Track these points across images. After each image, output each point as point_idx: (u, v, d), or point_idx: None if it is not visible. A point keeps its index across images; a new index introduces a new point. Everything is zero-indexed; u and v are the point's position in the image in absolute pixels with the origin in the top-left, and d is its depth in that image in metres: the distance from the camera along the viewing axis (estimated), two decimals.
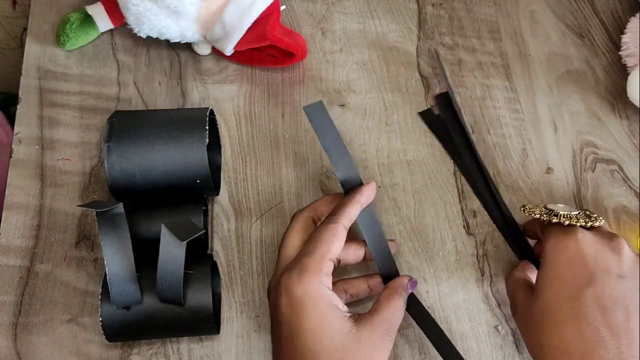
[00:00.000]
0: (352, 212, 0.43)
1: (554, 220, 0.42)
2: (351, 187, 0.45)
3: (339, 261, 0.45)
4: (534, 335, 0.40)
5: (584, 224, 0.42)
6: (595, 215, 0.44)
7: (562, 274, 0.40)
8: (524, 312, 0.41)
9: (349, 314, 0.40)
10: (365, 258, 0.47)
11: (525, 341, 0.42)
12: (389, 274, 0.46)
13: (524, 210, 0.46)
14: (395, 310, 0.41)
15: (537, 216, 0.44)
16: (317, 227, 0.43)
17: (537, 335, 0.39)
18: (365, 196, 0.44)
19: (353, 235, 0.47)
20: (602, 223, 0.43)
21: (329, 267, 0.40)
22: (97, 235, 0.49)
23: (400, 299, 0.42)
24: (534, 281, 0.45)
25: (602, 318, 0.37)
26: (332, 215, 0.43)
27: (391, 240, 0.49)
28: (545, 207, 0.45)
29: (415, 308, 0.45)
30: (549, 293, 0.40)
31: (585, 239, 0.41)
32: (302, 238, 0.43)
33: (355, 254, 0.46)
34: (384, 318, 0.40)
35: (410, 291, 0.44)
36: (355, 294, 0.46)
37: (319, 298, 0.39)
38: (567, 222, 0.42)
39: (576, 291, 0.39)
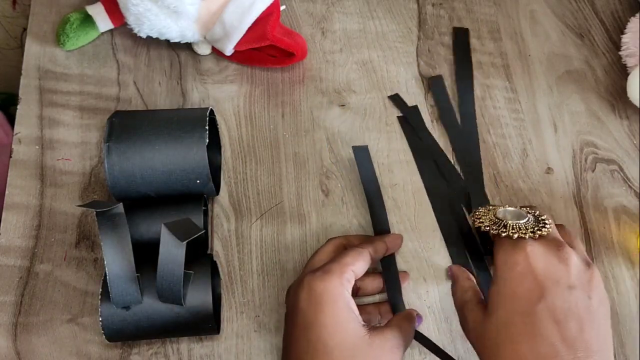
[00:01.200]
0: (378, 246, 0.46)
1: (502, 234, 0.41)
2: (380, 230, 0.50)
3: (357, 289, 0.47)
4: (490, 353, 0.39)
5: (532, 235, 0.41)
6: (545, 218, 0.43)
7: (514, 290, 0.39)
8: (477, 330, 0.41)
9: (363, 323, 0.41)
10: (382, 290, 0.49)
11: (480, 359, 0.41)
12: (396, 304, 0.48)
13: (474, 221, 0.45)
14: (406, 330, 0.42)
15: (487, 229, 0.43)
16: (345, 249, 0.46)
17: (493, 354, 0.38)
18: (391, 240, 0.48)
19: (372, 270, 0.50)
20: (550, 229, 0.42)
21: (351, 276, 0.42)
22: (97, 235, 0.49)
23: (410, 325, 0.43)
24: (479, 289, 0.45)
25: (557, 332, 0.37)
26: (361, 243, 0.46)
27: (403, 272, 0.50)
28: (495, 216, 0.44)
29: (422, 340, 0.46)
30: (502, 310, 0.39)
31: (534, 251, 0.40)
32: (331, 257, 0.45)
33: (373, 283, 0.48)
34: (396, 333, 0.41)
35: (417, 325, 0.45)
36: (367, 320, 0.46)
37: (337, 297, 0.40)
38: (515, 235, 0.41)
39: (529, 306, 0.38)
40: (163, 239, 0.39)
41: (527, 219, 0.43)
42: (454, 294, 0.47)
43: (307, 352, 0.39)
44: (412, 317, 0.44)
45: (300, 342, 0.40)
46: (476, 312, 0.42)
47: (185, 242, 0.39)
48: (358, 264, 0.43)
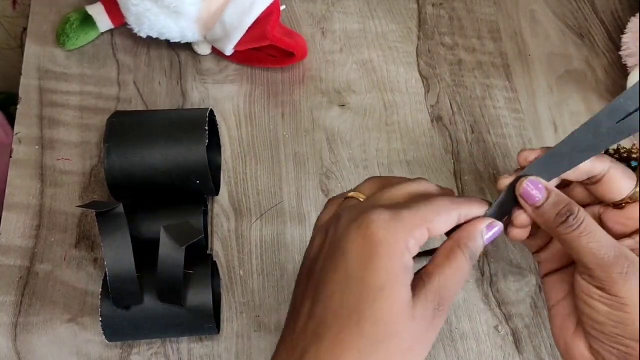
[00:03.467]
0: (473, 209, 0.34)
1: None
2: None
3: None
4: None
5: None
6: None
7: None
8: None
9: (412, 281, 0.32)
10: None
11: None
12: None
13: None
14: (454, 273, 0.32)
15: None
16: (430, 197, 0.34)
17: None
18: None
19: None
20: None
21: (424, 235, 0.32)
22: (97, 235, 0.49)
23: (464, 256, 0.32)
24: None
25: None
26: (455, 199, 0.34)
27: None
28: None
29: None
30: None
31: None
32: (409, 199, 0.35)
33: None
34: (438, 287, 0.31)
35: (487, 242, 0.33)
36: None
37: (397, 255, 0.31)
38: None
39: None
40: (162, 243, 0.39)
41: None
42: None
43: (337, 316, 0.31)
44: (466, 242, 0.33)
45: (333, 298, 0.31)
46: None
47: (184, 247, 0.39)
48: (437, 221, 0.32)
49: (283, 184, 0.53)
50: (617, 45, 0.63)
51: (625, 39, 0.61)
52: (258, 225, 0.51)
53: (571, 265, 0.37)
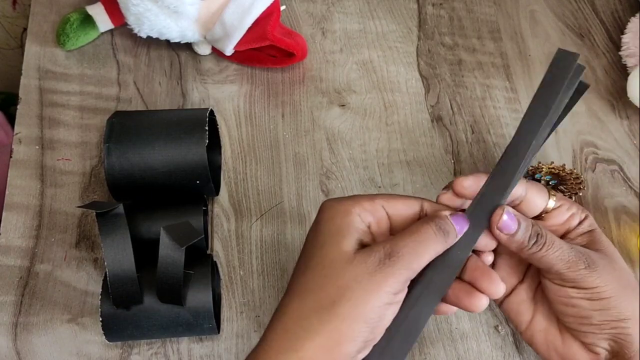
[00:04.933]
0: (435, 206, 0.37)
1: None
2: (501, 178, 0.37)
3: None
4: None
5: None
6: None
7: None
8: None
9: (365, 240, 0.35)
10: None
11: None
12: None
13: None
14: (409, 234, 0.34)
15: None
16: None
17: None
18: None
19: None
20: None
21: (377, 209, 0.35)
22: (97, 235, 0.49)
23: (426, 225, 0.34)
24: None
25: None
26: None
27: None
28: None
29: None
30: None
31: None
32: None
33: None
34: (389, 242, 0.34)
35: (457, 228, 0.35)
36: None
37: (341, 215, 0.34)
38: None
39: None
40: (162, 243, 0.39)
41: None
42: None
43: (292, 277, 0.35)
44: (427, 220, 0.35)
45: (295, 268, 0.36)
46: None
47: (184, 247, 0.39)
48: (392, 203, 0.36)
49: (283, 184, 0.53)
50: (617, 45, 0.63)
51: (625, 39, 0.61)
52: (258, 225, 0.51)
53: (522, 282, 0.40)
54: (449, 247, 0.35)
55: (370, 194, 0.37)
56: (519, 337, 0.48)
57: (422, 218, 0.36)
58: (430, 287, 0.35)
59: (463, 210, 0.37)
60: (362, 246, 0.35)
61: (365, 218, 0.35)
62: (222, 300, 0.48)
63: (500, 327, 0.49)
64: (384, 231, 0.36)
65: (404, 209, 0.36)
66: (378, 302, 0.32)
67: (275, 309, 0.35)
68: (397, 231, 0.36)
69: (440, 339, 0.48)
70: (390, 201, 0.36)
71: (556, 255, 0.36)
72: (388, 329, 0.34)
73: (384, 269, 0.32)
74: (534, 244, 0.36)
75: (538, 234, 0.36)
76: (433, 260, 0.35)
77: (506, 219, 0.35)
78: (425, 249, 0.34)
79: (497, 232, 0.36)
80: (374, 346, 0.34)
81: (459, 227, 0.35)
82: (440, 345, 0.47)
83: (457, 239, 0.35)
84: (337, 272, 0.33)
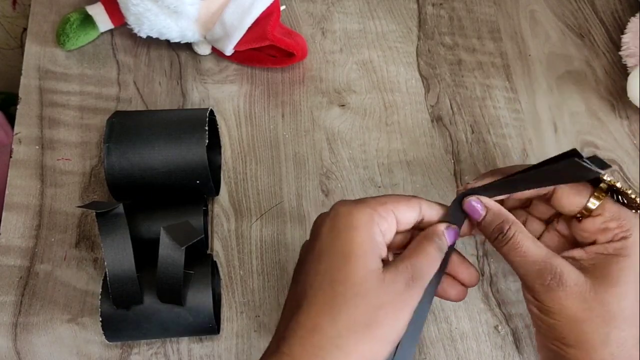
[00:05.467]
0: (435, 207, 0.38)
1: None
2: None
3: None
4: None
5: None
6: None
7: None
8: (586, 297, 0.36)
9: (384, 255, 0.35)
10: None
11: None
12: None
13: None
14: (423, 256, 0.35)
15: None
16: None
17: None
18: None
19: None
20: None
21: (389, 216, 0.36)
22: (97, 235, 0.49)
23: (431, 244, 0.36)
24: None
25: None
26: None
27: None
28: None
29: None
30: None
31: None
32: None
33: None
34: (409, 263, 0.35)
35: (448, 242, 0.37)
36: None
37: (362, 225, 0.34)
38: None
39: None
40: (162, 243, 0.39)
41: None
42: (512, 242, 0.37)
43: (312, 285, 0.34)
44: (432, 236, 0.37)
45: (309, 273, 0.35)
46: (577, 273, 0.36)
47: (184, 247, 0.39)
48: (400, 207, 0.36)
49: (283, 184, 0.53)
50: (617, 45, 0.63)
51: (625, 39, 0.61)
52: (258, 225, 0.51)
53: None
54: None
55: (381, 198, 0.37)
56: (519, 337, 0.48)
57: (423, 230, 0.37)
58: (427, 287, 0.36)
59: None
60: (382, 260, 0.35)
61: (382, 226, 0.36)
62: (222, 300, 0.48)
63: (500, 327, 0.49)
64: (392, 236, 0.37)
65: (408, 212, 0.37)
66: (406, 322, 0.34)
67: (287, 310, 0.35)
68: (398, 234, 0.38)
69: (440, 339, 0.48)
70: (398, 206, 0.37)
71: (517, 260, 0.36)
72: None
73: (409, 290, 0.34)
74: (495, 238, 0.37)
75: (500, 232, 0.37)
76: None
77: (473, 204, 0.38)
78: (434, 267, 0.36)
79: (469, 216, 0.38)
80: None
81: (450, 240, 0.37)
82: (440, 345, 0.47)
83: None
84: (371, 293, 0.33)
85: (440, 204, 0.39)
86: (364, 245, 0.34)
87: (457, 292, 0.38)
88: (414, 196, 0.38)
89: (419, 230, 0.38)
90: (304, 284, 0.35)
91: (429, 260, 0.35)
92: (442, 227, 0.37)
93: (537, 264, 0.36)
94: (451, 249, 0.38)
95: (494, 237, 0.37)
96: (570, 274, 0.35)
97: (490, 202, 0.38)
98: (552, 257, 0.36)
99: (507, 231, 0.37)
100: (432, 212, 0.38)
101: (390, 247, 0.37)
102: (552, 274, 0.35)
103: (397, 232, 0.37)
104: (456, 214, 0.38)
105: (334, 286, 0.33)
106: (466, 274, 0.38)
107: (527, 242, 0.36)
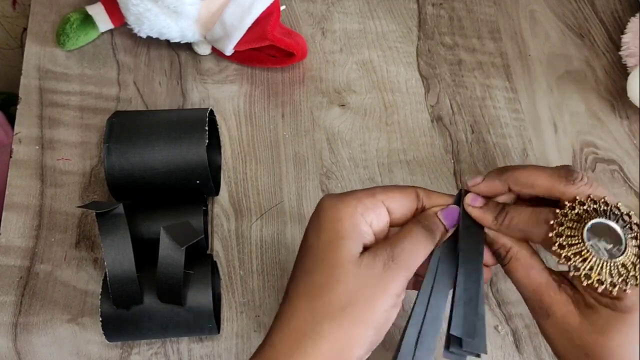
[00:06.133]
0: (434, 196, 0.38)
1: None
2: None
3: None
4: None
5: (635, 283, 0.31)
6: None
7: None
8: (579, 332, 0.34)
9: (367, 242, 0.35)
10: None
11: None
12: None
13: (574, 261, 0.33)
14: (405, 237, 0.35)
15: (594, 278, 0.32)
16: None
17: None
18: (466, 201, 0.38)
19: None
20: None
21: (378, 206, 0.36)
22: (97, 235, 0.49)
23: (416, 225, 0.36)
24: None
25: None
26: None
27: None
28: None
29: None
30: None
31: None
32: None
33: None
34: (389, 245, 0.34)
35: (447, 223, 0.37)
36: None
37: (345, 216, 0.34)
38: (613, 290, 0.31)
39: None
40: (162, 243, 0.39)
41: (625, 242, 0.31)
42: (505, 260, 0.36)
43: (295, 276, 0.35)
44: (422, 219, 0.36)
45: (295, 267, 0.36)
46: (569, 307, 0.34)
47: (184, 247, 0.39)
48: (390, 197, 0.36)
49: (283, 184, 0.53)
50: (617, 45, 0.63)
51: (625, 39, 0.61)
52: (258, 225, 0.51)
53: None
54: (439, 241, 0.36)
55: (370, 189, 0.37)
56: (519, 337, 0.48)
57: (417, 213, 0.37)
58: (439, 275, 0.36)
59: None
60: (365, 248, 0.35)
61: (368, 217, 0.35)
62: (222, 300, 0.48)
63: (500, 327, 0.49)
64: (384, 225, 0.37)
65: (402, 201, 0.37)
66: (385, 306, 0.33)
67: (278, 308, 0.35)
68: (396, 224, 0.37)
69: (440, 338, 0.48)
70: (389, 194, 0.36)
71: (513, 280, 0.36)
72: (416, 325, 0.35)
73: (388, 272, 0.33)
74: (498, 257, 0.37)
75: (498, 255, 0.37)
76: (436, 250, 0.37)
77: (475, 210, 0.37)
78: (419, 249, 0.35)
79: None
80: (404, 342, 0.35)
81: (448, 222, 0.37)
82: (440, 345, 0.47)
83: (449, 233, 0.37)
84: (345, 276, 0.33)
85: (444, 194, 0.38)
86: (346, 234, 0.34)
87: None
88: (411, 186, 0.38)
89: None
90: (291, 276, 0.35)
91: (411, 242, 0.35)
92: (435, 209, 0.37)
93: (529, 293, 0.35)
94: (476, 230, 0.37)
95: (495, 255, 0.37)
96: (560, 308, 0.34)
97: (489, 231, 0.37)
98: (544, 288, 0.35)
99: (504, 257, 0.36)
100: (433, 201, 0.38)
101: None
102: (540, 304, 0.35)
103: (395, 224, 0.37)
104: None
105: (313, 274, 0.34)
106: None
107: (521, 271, 0.36)
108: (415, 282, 0.39)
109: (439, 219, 0.37)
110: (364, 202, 0.35)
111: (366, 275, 0.33)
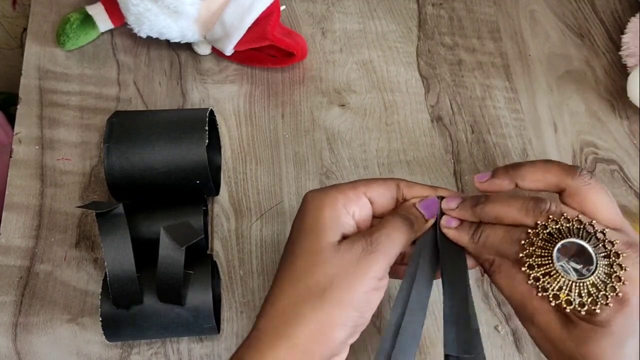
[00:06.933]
0: (415, 186, 0.39)
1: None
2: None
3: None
4: None
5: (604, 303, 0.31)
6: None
7: None
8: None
9: (348, 232, 0.37)
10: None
11: None
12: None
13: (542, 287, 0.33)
14: (382, 225, 0.36)
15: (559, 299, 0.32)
16: None
17: None
18: (444, 194, 0.40)
19: None
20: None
21: (360, 198, 0.37)
22: (97, 235, 0.49)
23: (394, 215, 0.37)
24: None
25: None
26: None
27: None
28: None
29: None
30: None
31: None
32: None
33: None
34: (367, 232, 0.36)
35: (425, 213, 0.38)
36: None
37: (326, 206, 0.36)
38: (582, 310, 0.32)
39: None
40: (162, 243, 0.39)
41: (595, 263, 0.32)
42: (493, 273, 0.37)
43: (280, 264, 0.36)
44: (400, 211, 0.38)
45: (283, 255, 0.37)
46: (551, 315, 0.34)
47: (184, 247, 0.39)
48: (372, 189, 0.38)
49: (283, 183, 0.53)
50: (617, 45, 0.63)
51: (625, 39, 0.61)
52: (258, 225, 0.51)
53: None
54: (420, 232, 0.38)
55: (352, 182, 0.38)
56: (519, 337, 0.48)
57: (399, 204, 0.39)
58: (422, 262, 0.37)
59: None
60: (346, 237, 0.36)
61: (350, 208, 0.37)
62: (222, 300, 0.48)
63: (500, 327, 0.49)
64: (367, 216, 0.38)
65: (383, 191, 0.38)
66: (364, 288, 0.34)
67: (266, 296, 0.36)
68: (379, 214, 0.39)
69: (440, 339, 0.48)
70: (370, 186, 0.38)
71: (501, 287, 0.37)
72: (398, 309, 0.36)
73: (367, 256, 0.35)
74: (483, 268, 0.38)
75: (482, 267, 0.38)
76: (420, 239, 0.39)
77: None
78: (397, 235, 0.36)
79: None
80: (387, 327, 0.36)
81: (427, 212, 0.38)
82: (440, 345, 0.47)
83: (429, 223, 0.38)
84: (325, 261, 0.34)
85: (425, 185, 0.40)
86: (326, 222, 0.36)
87: None
88: (393, 178, 0.40)
89: None
90: (277, 271, 0.36)
91: (388, 229, 0.36)
92: (414, 200, 0.39)
93: (513, 302, 0.36)
94: (455, 249, 0.38)
95: (480, 266, 0.39)
96: (543, 316, 0.34)
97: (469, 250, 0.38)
98: (527, 298, 0.35)
99: (487, 269, 0.38)
100: (414, 192, 0.39)
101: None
102: (524, 312, 0.35)
103: (378, 214, 0.39)
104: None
105: (296, 260, 0.35)
106: None
107: (504, 281, 0.36)
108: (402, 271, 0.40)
109: (418, 210, 0.38)
110: (346, 193, 0.37)
111: (345, 259, 0.34)
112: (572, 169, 0.37)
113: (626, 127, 0.59)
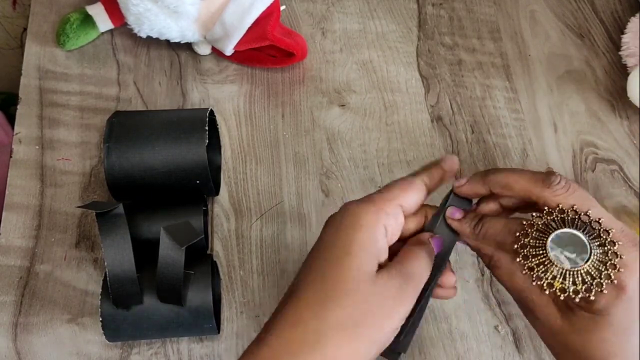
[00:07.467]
0: (434, 172, 0.39)
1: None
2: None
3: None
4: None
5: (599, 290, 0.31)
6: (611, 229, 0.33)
7: None
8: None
9: (382, 260, 0.35)
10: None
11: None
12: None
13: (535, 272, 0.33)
14: (415, 259, 0.36)
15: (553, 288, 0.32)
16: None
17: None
18: (448, 162, 0.40)
19: None
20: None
21: (396, 211, 0.36)
22: (97, 235, 0.49)
23: (422, 249, 0.37)
24: None
25: None
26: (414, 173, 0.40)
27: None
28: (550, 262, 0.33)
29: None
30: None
31: None
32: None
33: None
34: (402, 267, 0.35)
35: (435, 250, 0.38)
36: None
37: (365, 225, 0.34)
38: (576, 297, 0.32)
39: None
40: (162, 243, 0.39)
41: (589, 252, 0.32)
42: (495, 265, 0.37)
43: (305, 279, 0.34)
44: (419, 243, 0.37)
45: (306, 267, 0.35)
46: (551, 308, 0.34)
47: (184, 247, 0.39)
48: (407, 197, 0.37)
49: (283, 183, 0.53)
50: (617, 45, 0.63)
51: (625, 39, 0.61)
52: (258, 225, 0.51)
53: None
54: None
55: (387, 194, 0.37)
56: (519, 337, 0.48)
57: (414, 239, 0.38)
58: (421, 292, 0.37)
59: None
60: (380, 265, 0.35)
61: (390, 224, 0.36)
62: (222, 300, 0.48)
63: (500, 327, 0.49)
64: (398, 228, 0.37)
65: (416, 198, 0.38)
66: (394, 326, 0.33)
67: (279, 303, 0.35)
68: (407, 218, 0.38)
69: (440, 339, 0.48)
70: (405, 196, 0.37)
71: (502, 282, 0.37)
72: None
73: (402, 294, 0.34)
74: (485, 263, 0.38)
75: (484, 260, 0.37)
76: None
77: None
78: (426, 271, 0.36)
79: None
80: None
81: (436, 248, 0.38)
82: (440, 345, 0.47)
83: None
84: (359, 292, 0.33)
85: (436, 168, 0.40)
86: (364, 245, 0.34)
87: (442, 293, 0.40)
88: (414, 176, 0.39)
89: None
90: (299, 277, 0.35)
91: (420, 264, 0.36)
92: (426, 235, 0.38)
93: (514, 296, 0.36)
94: (445, 256, 0.38)
95: (483, 261, 0.38)
96: (543, 309, 0.34)
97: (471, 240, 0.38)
98: (527, 292, 0.35)
99: (487, 263, 0.37)
100: (433, 183, 0.39)
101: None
102: (526, 306, 0.35)
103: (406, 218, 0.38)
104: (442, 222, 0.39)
105: (325, 283, 0.33)
106: (444, 277, 0.39)
107: (504, 276, 0.36)
108: None
109: (431, 243, 0.38)
110: (385, 209, 0.36)
111: (382, 295, 0.33)
112: (541, 180, 0.35)
113: (626, 127, 0.59)
